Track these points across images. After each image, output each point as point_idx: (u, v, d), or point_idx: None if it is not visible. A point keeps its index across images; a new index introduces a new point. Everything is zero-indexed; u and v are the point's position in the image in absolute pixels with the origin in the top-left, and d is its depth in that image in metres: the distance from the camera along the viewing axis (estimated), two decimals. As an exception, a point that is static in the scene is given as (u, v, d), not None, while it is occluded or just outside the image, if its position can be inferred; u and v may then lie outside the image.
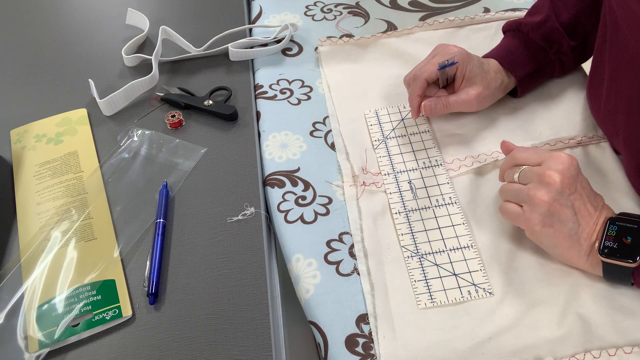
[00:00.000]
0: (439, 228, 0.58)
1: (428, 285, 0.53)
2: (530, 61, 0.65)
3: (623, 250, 0.48)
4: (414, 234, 0.57)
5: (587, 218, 0.50)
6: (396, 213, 0.59)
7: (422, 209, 0.59)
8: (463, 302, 0.52)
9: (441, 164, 0.63)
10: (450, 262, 0.55)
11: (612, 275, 0.50)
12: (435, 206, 0.60)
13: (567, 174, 0.50)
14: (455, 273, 0.54)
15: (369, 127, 0.68)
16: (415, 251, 0.56)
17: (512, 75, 0.65)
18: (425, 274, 0.54)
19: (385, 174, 0.63)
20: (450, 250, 0.56)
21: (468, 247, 0.56)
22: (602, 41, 0.59)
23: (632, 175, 0.57)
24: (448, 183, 0.61)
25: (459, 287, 0.53)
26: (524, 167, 0.52)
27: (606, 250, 0.49)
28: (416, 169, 0.63)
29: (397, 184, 0.62)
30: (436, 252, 0.56)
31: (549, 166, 0.50)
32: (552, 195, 0.49)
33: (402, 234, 0.57)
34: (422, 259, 0.55)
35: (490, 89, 0.64)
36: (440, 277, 0.54)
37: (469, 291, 0.53)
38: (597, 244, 0.50)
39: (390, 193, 0.61)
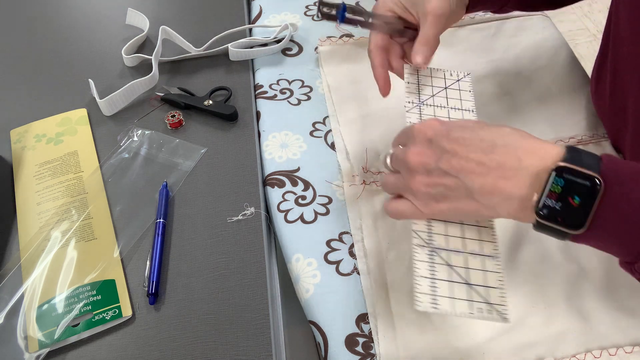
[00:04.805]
0: (461, 223, 0.47)
1: (434, 286, 0.44)
2: None
3: (567, 213, 0.38)
4: (430, 220, 0.47)
5: (482, 169, 0.41)
6: None
7: None
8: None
9: None
10: (467, 268, 0.45)
11: (544, 232, 0.40)
12: None
13: (425, 147, 0.44)
14: (470, 283, 0.44)
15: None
16: (428, 240, 0.46)
17: None
18: (434, 272, 0.44)
19: None
20: (470, 254, 0.46)
21: (492, 256, 0.45)
22: (607, 34, 0.58)
23: None
24: None
25: (471, 301, 0.43)
26: (394, 151, 0.48)
27: (545, 211, 0.38)
28: None
29: None
30: (452, 251, 0.45)
31: (407, 149, 0.45)
32: (421, 178, 0.44)
33: None
34: (433, 254, 0.45)
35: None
36: (451, 281, 0.44)
37: (480, 308, 0.43)
38: (535, 199, 0.39)
39: None
